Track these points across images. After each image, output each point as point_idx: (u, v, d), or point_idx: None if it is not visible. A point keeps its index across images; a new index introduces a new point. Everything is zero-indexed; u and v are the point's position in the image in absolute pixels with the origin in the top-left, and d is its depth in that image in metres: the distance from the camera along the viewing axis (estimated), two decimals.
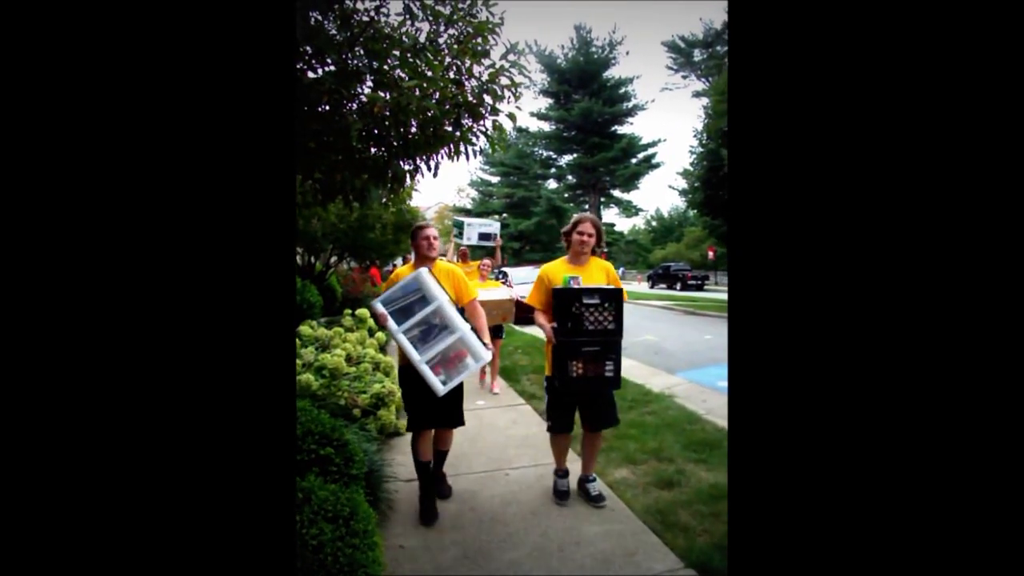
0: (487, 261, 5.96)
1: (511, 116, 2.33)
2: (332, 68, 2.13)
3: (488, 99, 2.24)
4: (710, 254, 30.21)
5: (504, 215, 33.10)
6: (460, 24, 2.25)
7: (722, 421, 4.24)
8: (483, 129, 2.33)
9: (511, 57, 2.21)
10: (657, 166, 31.13)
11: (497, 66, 2.25)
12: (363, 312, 6.99)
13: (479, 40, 2.19)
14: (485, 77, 2.25)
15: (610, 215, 35.89)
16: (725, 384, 5.82)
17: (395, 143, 2.27)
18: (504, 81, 2.24)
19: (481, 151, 2.48)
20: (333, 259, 10.25)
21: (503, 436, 4.13)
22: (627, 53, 55.35)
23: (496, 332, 5.29)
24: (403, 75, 2.16)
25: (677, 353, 8.08)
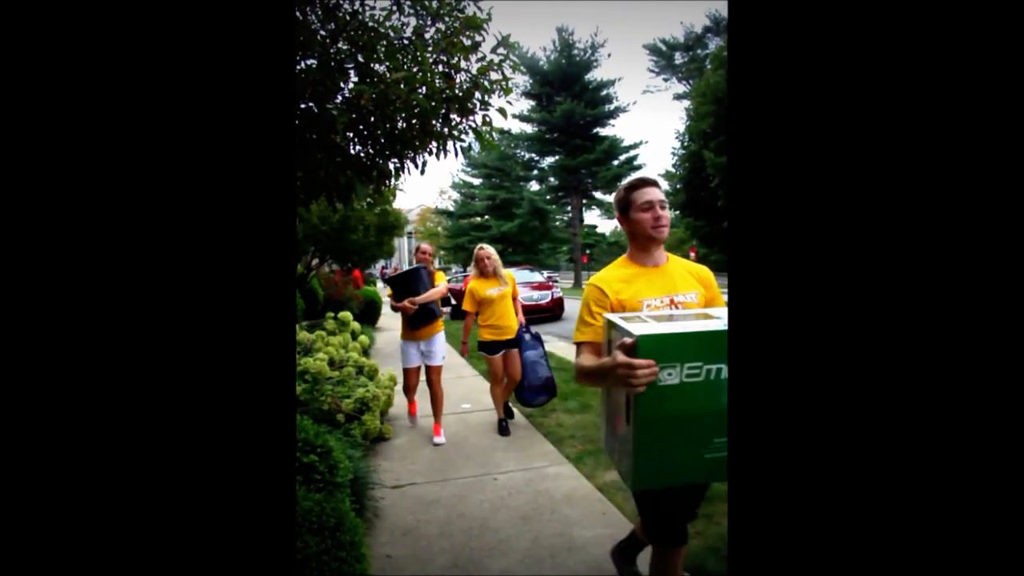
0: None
1: (502, 111, 2.27)
2: (314, 62, 2.06)
3: (478, 93, 2.19)
4: (692, 255, 30.50)
5: (486, 217, 33.04)
6: (447, 19, 2.20)
7: None
8: (472, 124, 2.27)
9: (501, 51, 2.16)
10: (639, 168, 31.23)
11: (487, 60, 2.19)
12: (346, 315, 6.89)
13: (468, 34, 2.13)
14: (475, 71, 2.19)
15: (592, 217, 36.11)
16: None
17: (381, 139, 2.20)
18: (494, 76, 2.19)
19: (469, 148, 2.42)
20: (314, 262, 10.09)
21: (489, 440, 4.07)
22: (609, 56, 55.72)
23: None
24: (388, 69, 2.09)
25: None
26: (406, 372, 4.27)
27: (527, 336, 4.19)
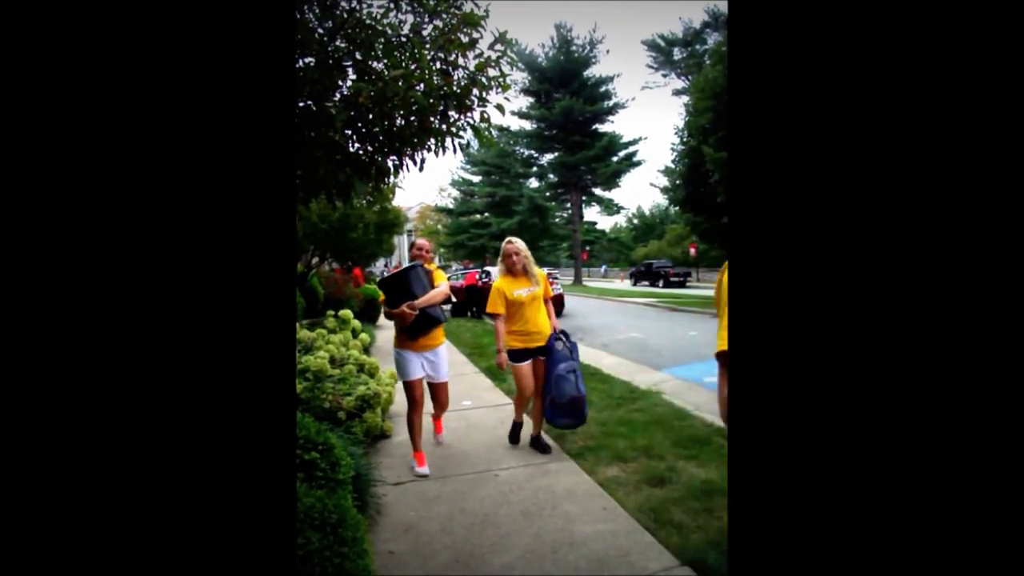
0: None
1: (500, 108, 2.28)
2: (312, 60, 2.07)
3: (475, 90, 2.19)
4: (692, 251, 30.51)
5: (486, 214, 33.02)
6: (445, 16, 2.20)
7: (711, 417, 4.24)
8: (471, 121, 2.27)
9: (499, 47, 2.17)
10: (638, 164, 31.22)
11: (485, 57, 2.20)
12: (346, 313, 6.89)
13: (465, 31, 2.13)
14: (472, 67, 2.20)
15: (592, 213, 36.05)
16: (712, 380, 5.85)
17: (380, 136, 2.21)
18: (492, 73, 2.20)
19: (467, 145, 2.43)
20: (315, 260, 10.11)
21: (491, 436, 4.08)
22: (607, 52, 55.76)
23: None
24: (385, 67, 2.10)
25: (663, 350, 8.11)
26: (409, 385, 3.39)
27: (559, 344, 3.52)
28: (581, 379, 3.52)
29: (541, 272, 3.62)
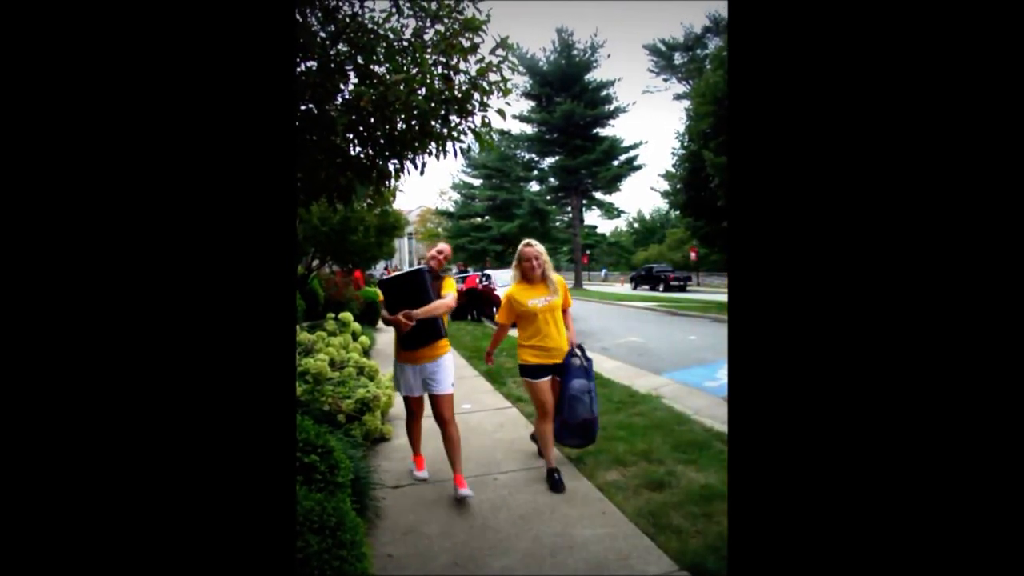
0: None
1: (500, 112, 2.29)
2: (314, 64, 2.08)
3: (476, 95, 2.21)
4: (692, 255, 30.54)
5: (487, 218, 33.08)
6: (447, 20, 2.22)
7: (711, 421, 4.24)
8: (471, 125, 2.28)
9: (500, 52, 2.18)
10: (639, 168, 31.30)
11: (486, 62, 2.21)
12: (346, 316, 6.90)
13: (467, 35, 2.15)
14: (473, 72, 2.21)
15: (592, 217, 36.10)
16: (712, 384, 5.85)
17: (381, 140, 2.22)
18: (493, 77, 2.21)
19: (468, 149, 2.44)
20: (315, 262, 10.12)
21: (490, 440, 4.08)
22: (608, 56, 55.81)
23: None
24: (387, 71, 2.11)
25: (662, 354, 8.11)
26: (407, 400, 3.20)
27: (575, 360, 3.18)
28: (595, 400, 3.25)
29: (561, 279, 3.21)
